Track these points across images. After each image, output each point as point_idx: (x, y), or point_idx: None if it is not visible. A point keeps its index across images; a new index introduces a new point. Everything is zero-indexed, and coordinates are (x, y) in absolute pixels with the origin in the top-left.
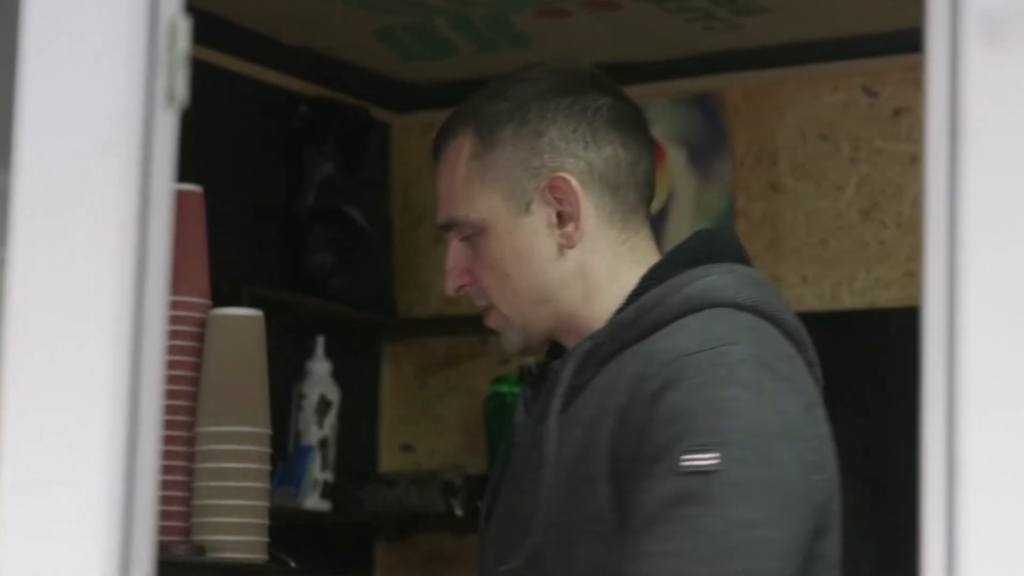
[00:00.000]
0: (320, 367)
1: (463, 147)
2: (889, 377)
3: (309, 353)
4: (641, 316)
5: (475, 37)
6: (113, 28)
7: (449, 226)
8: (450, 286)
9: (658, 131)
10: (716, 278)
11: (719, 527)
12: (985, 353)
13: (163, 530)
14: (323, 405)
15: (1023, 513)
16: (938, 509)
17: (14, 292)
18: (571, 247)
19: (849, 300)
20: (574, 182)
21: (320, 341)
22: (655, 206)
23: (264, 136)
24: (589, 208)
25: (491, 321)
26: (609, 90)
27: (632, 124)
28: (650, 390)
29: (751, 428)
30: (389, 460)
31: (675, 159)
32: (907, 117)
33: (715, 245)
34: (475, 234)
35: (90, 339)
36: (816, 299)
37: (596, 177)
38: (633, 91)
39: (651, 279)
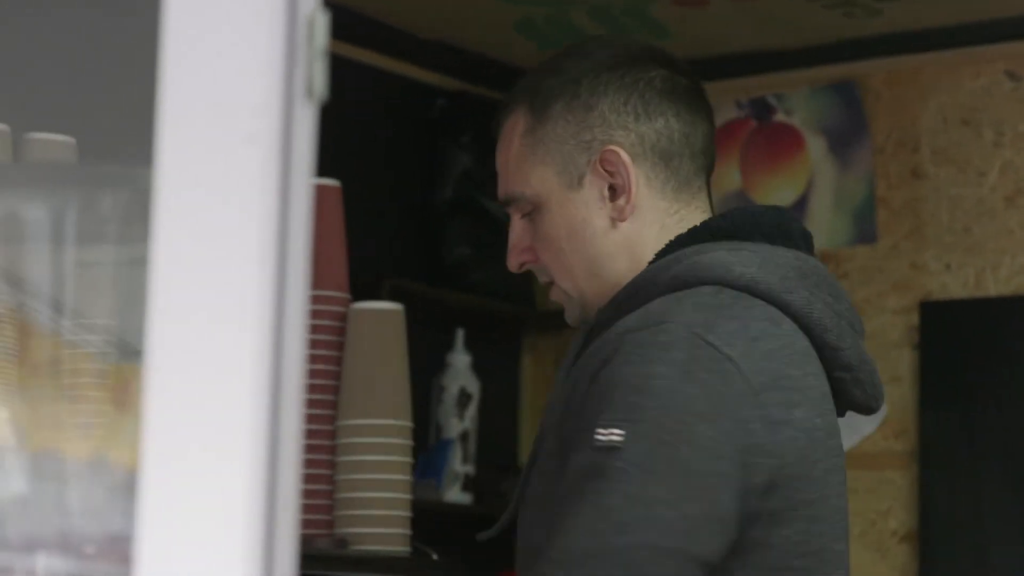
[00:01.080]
0: (460, 360)
1: (518, 123)
2: None
3: (449, 346)
4: (636, 292)
5: (613, 28)
6: (253, 24)
7: (508, 202)
8: (512, 263)
9: (797, 119)
10: (717, 255)
11: (615, 501)
12: None
13: (306, 523)
14: (463, 398)
15: None
16: None
17: (157, 288)
18: (622, 220)
19: (994, 287)
20: (624, 155)
21: (460, 334)
22: (793, 195)
23: (402, 130)
24: (640, 180)
25: (554, 295)
26: (664, 61)
27: (687, 95)
28: (592, 368)
29: (668, 406)
30: (529, 452)
31: (815, 147)
32: None
33: (747, 222)
34: (533, 210)
35: (232, 333)
36: (960, 287)
37: (648, 149)
38: (772, 79)
39: (664, 253)
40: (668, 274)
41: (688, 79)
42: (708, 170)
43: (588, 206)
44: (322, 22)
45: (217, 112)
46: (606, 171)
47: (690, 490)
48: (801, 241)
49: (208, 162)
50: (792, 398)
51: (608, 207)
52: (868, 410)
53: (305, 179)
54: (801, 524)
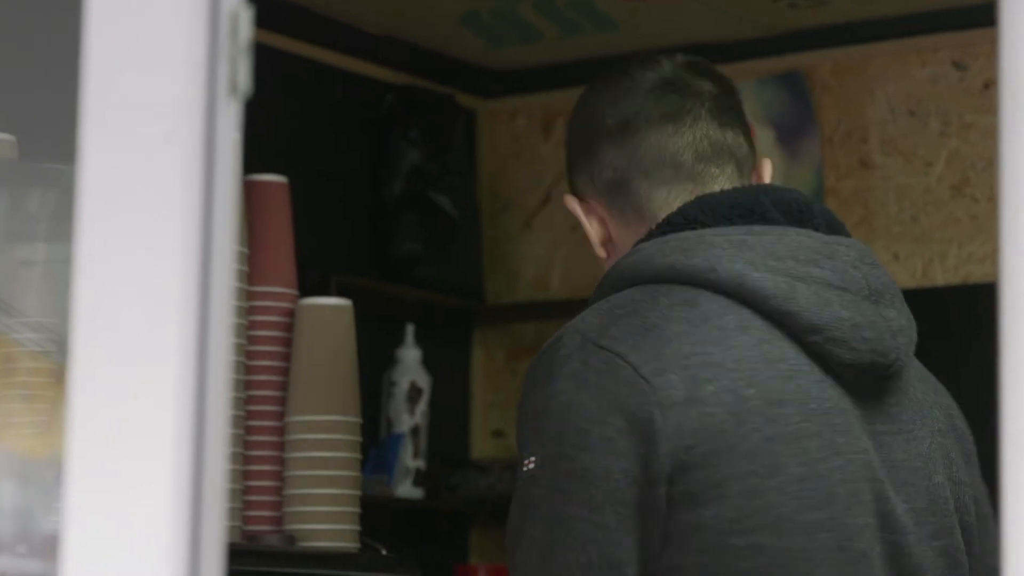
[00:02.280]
0: (410, 355)
1: None
2: (983, 353)
3: (399, 341)
4: (591, 302)
5: (560, 22)
6: (174, 20)
7: None
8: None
9: (746, 111)
10: (641, 253)
11: (538, 530)
12: None
13: (254, 520)
14: (414, 393)
15: None
16: (1018, 495)
17: (80, 286)
18: (607, 257)
19: (942, 277)
20: (593, 202)
21: (410, 329)
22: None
23: (351, 125)
24: (610, 219)
25: None
26: (626, 83)
27: (648, 109)
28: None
29: (566, 420)
30: (481, 446)
31: (763, 138)
32: (997, 90)
33: (700, 209)
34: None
35: (156, 332)
36: (908, 276)
37: (600, 186)
38: (720, 71)
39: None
40: (606, 279)
41: (655, 84)
42: (705, 161)
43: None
44: (246, 17)
45: (138, 109)
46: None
47: (597, 496)
48: (778, 214)
49: (130, 160)
50: (701, 375)
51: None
52: (877, 366)
53: (229, 176)
54: (734, 500)
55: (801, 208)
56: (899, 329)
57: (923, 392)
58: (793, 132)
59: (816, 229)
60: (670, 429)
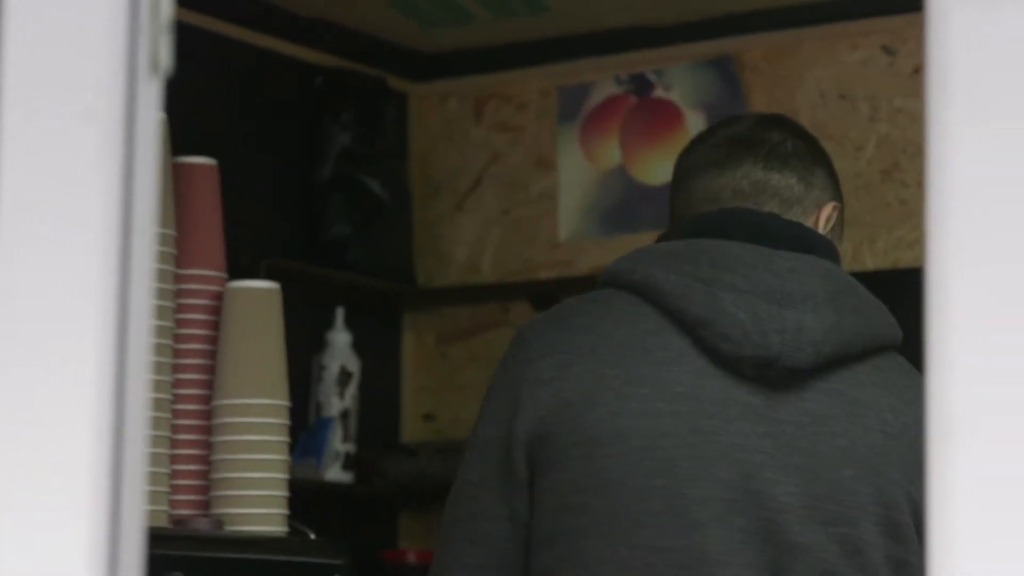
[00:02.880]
0: (340, 338)
1: None
2: (911, 338)
3: (329, 324)
4: None
5: (490, 3)
6: None
7: None
8: None
9: (676, 94)
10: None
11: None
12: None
13: (182, 504)
14: (344, 376)
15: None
16: (943, 478)
17: None
18: None
19: (871, 261)
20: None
21: (339, 312)
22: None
23: (281, 108)
24: None
25: None
26: (704, 137)
27: (699, 161)
28: None
29: (484, 397)
30: (411, 430)
31: (693, 122)
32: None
33: (682, 229)
34: None
35: (74, 316)
36: None
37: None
38: (650, 55)
39: None
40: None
41: (713, 144)
42: (742, 198)
43: None
44: None
45: (57, 87)
46: None
47: (473, 458)
48: (741, 231)
49: (48, 139)
50: (570, 358)
51: None
52: (761, 360)
53: (150, 155)
54: (574, 464)
55: (764, 228)
56: (800, 329)
57: (871, 395)
58: (724, 115)
59: (776, 247)
60: (531, 404)
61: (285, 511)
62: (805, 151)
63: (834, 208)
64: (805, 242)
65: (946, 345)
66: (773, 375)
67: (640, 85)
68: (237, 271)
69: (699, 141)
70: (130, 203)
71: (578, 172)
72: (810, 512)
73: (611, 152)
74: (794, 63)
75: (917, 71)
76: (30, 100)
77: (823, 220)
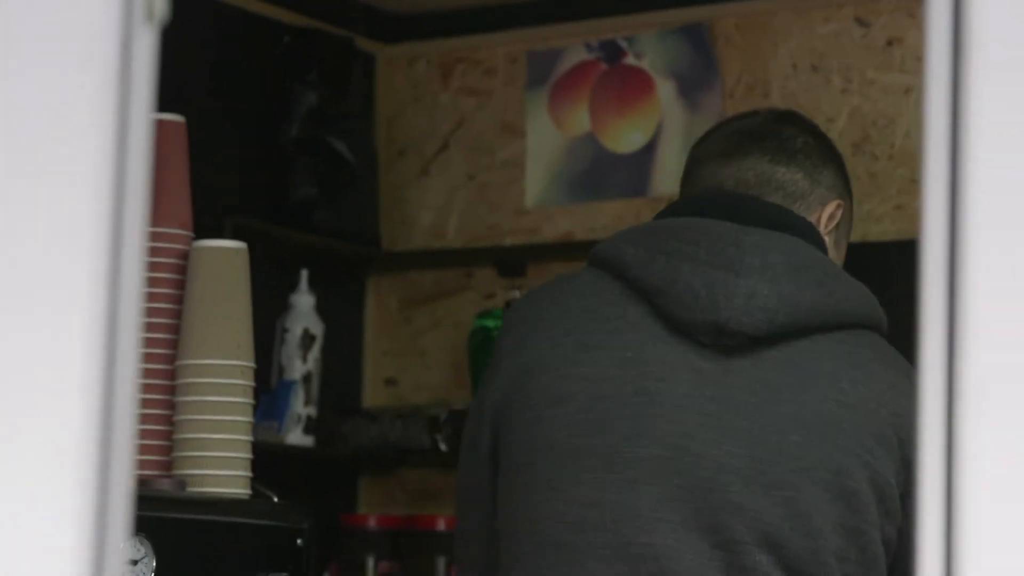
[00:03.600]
0: (304, 301)
1: None
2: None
3: (293, 287)
4: None
5: None
6: None
7: None
8: None
9: (647, 62)
10: None
11: None
12: (989, 286)
13: (144, 464)
14: (307, 339)
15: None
16: (936, 453)
17: None
18: None
19: None
20: None
21: (304, 274)
22: (643, 139)
23: (248, 66)
24: None
25: None
26: (717, 128)
27: (701, 157)
28: None
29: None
30: (373, 395)
31: (664, 91)
32: (900, 48)
33: (678, 208)
34: None
35: (66, 270)
36: None
37: None
38: (621, 21)
39: None
40: None
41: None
42: (745, 187)
43: None
44: None
45: (53, 33)
46: None
47: (466, 430)
48: (715, 210)
49: (43, 86)
50: (531, 328)
51: None
52: (714, 327)
53: (145, 103)
54: (524, 426)
55: (740, 208)
56: (753, 295)
57: (828, 366)
58: (695, 84)
59: (751, 225)
60: (498, 374)
61: (249, 473)
62: (815, 148)
63: (838, 206)
64: (782, 222)
65: (966, 313)
66: (729, 342)
67: (611, 52)
68: (201, 230)
69: (711, 132)
70: (125, 150)
71: (546, 138)
72: (752, 474)
73: (580, 119)
74: (767, 33)
75: (890, 43)
76: (26, 46)
77: (826, 217)
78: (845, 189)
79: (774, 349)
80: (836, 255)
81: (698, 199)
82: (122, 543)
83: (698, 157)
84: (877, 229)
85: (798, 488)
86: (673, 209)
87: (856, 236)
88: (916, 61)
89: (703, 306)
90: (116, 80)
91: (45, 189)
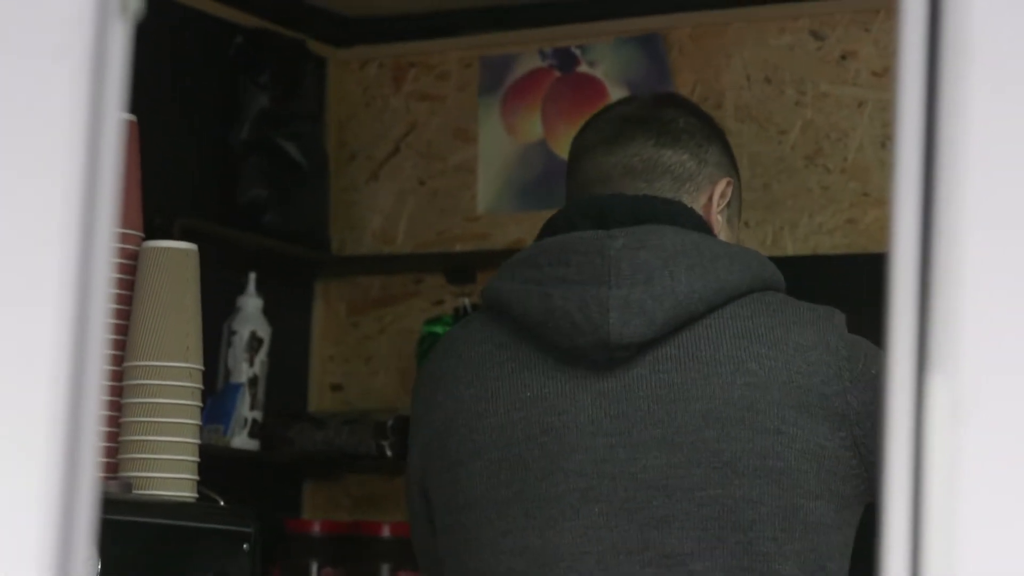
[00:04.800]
0: (252, 303)
1: None
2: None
3: (241, 289)
4: None
5: None
6: None
7: None
8: None
9: (600, 70)
10: None
11: None
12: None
13: None
14: (254, 342)
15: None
16: (903, 468)
17: None
18: None
19: (791, 246)
20: None
21: (252, 277)
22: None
23: (199, 66)
24: None
25: None
26: (597, 117)
27: (583, 143)
28: None
29: None
30: (319, 400)
31: (617, 99)
32: (854, 62)
33: (546, 227)
34: None
35: (36, 260)
36: (758, 244)
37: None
38: (575, 29)
39: None
40: None
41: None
42: (632, 176)
43: None
44: None
45: (25, 24)
46: None
47: (405, 498)
48: (586, 221)
49: (15, 77)
50: (436, 385)
51: None
52: (597, 346)
53: (118, 96)
54: (445, 488)
55: (607, 210)
56: (626, 304)
57: (729, 349)
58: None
59: (619, 226)
60: (416, 441)
61: (195, 477)
62: (698, 128)
63: (728, 184)
64: (648, 213)
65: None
66: (621, 355)
67: (564, 60)
68: (151, 231)
69: (592, 120)
70: (97, 143)
71: (498, 145)
72: (674, 482)
73: (532, 126)
74: (721, 44)
75: (844, 57)
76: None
77: (717, 196)
78: (732, 166)
79: (670, 347)
80: (729, 234)
81: (568, 210)
82: (87, 548)
83: (581, 147)
84: (829, 242)
85: (723, 484)
86: (545, 227)
87: (807, 249)
88: (870, 75)
89: (582, 329)
90: (89, 73)
91: (15, 181)
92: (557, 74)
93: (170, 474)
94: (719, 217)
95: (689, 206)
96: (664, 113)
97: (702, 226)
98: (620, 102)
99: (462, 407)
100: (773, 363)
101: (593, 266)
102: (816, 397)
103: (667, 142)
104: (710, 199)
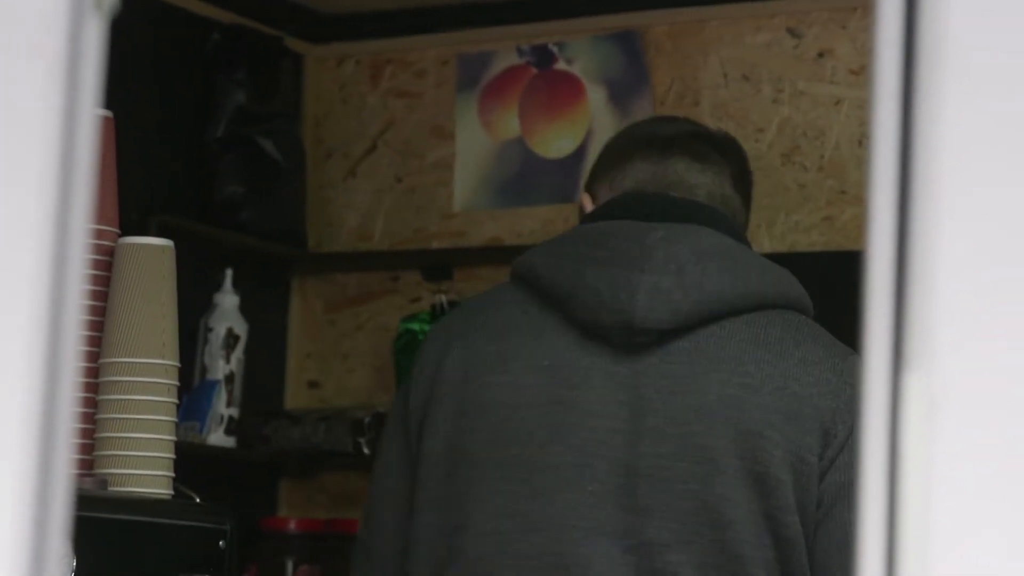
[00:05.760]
0: (228, 300)
1: None
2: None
3: (217, 286)
4: None
5: None
6: None
7: None
8: None
9: (578, 68)
10: None
11: None
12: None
13: None
14: (230, 339)
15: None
16: (879, 466)
17: None
18: None
19: (768, 244)
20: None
21: (228, 274)
22: (572, 145)
23: (176, 63)
24: None
25: None
26: (653, 122)
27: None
28: None
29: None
30: (295, 397)
31: (595, 97)
32: (831, 60)
33: (596, 213)
34: None
35: (9, 249)
36: None
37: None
38: (555, 26)
39: None
40: None
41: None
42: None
43: None
44: None
45: (0, 22)
46: None
47: (385, 433)
48: (626, 211)
49: None
50: (454, 339)
51: None
52: (622, 324)
53: (93, 94)
54: (444, 436)
55: (647, 206)
56: (656, 290)
57: (734, 350)
58: (625, 91)
59: (660, 220)
60: (418, 383)
61: (171, 474)
62: (733, 170)
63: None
64: (690, 214)
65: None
66: (640, 339)
67: (542, 57)
68: (127, 227)
69: (648, 123)
70: (72, 140)
71: (475, 142)
72: (660, 473)
73: (510, 123)
74: (699, 42)
75: (822, 55)
76: None
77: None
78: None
79: (684, 340)
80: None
81: (609, 204)
82: (62, 545)
83: (622, 152)
84: (806, 240)
85: (705, 480)
86: (585, 217)
87: (784, 247)
88: (847, 73)
89: (608, 307)
90: (63, 70)
91: None
92: (534, 71)
93: (146, 471)
94: None
95: (729, 213)
96: (714, 155)
97: (741, 237)
98: (673, 120)
99: (478, 360)
100: (772, 368)
101: (629, 252)
102: (809, 408)
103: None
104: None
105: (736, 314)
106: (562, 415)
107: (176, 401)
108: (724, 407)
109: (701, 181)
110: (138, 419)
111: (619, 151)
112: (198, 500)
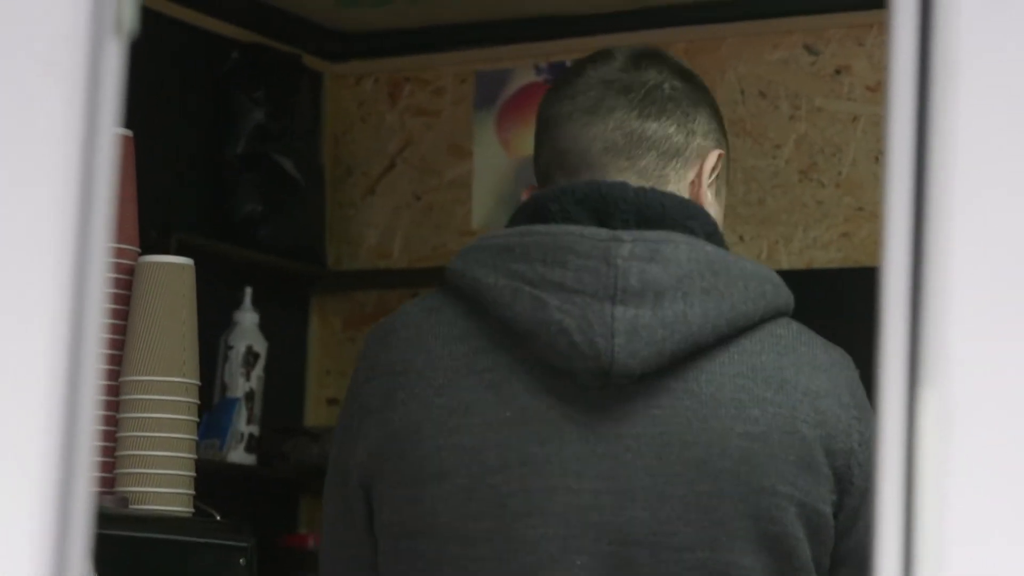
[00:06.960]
0: (248, 318)
1: None
2: (824, 334)
3: (237, 304)
4: None
5: None
6: None
7: None
8: None
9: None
10: None
11: None
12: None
13: None
14: (250, 357)
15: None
16: (895, 483)
17: None
18: None
19: (786, 260)
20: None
21: (248, 292)
22: None
23: (195, 81)
24: None
25: None
26: (570, 79)
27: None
28: None
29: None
30: (315, 414)
31: None
32: (848, 76)
33: (518, 214)
34: None
35: (29, 283)
36: (753, 258)
37: (537, 176)
38: (573, 44)
39: None
40: None
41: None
42: (613, 153)
43: None
44: None
45: (19, 43)
46: None
47: (329, 482)
48: (582, 211)
49: (8, 96)
50: (397, 382)
51: None
52: (595, 369)
53: (112, 116)
54: (401, 506)
55: (611, 204)
56: (635, 330)
57: (732, 390)
58: None
59: (624, 226)
60: (361, 436)
61: (192, 491)
62: (684, 93)
63: (719, 157)
64: (662, 217)
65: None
66: (617, 383)
67: (559, 74)
68: (147, 245)
69: (565, 83)
70: (92, 160)
71: (493, 160)
72: (661, 539)
73: (527, 141)
74: (716, 59)
75: (839, 72)
76: None
77: (707, 171)
78: (721, 133)
79: (669, 380)
80: (717, 208)
81: (559, 196)
82: (83, 563)
83: (554, 115)
84: (823, 256)
85: (713, 547)
86: (530, 209)
87: (802, 263)
88: (864, 90)
89: (582, 352)
90: (84, 90)
91: (10, 198)
92: None
93: (166, 489)
94: (707, 191)
95: (698, 204)
96: (647, 77)
97: (715, 233)
98: (595, 60)
99: (429, 416)
100: (777, 409)
101: (597, 274)
102: (821, 454)
103: (651, 113)
104: (699, 175)
105: (723, 340)
106: (534, 478)
107: (196, 419)
108: (730, 462)
109: (639, 130)
110: (158, 437)
111: (543, 118)
112: (218, 518)
